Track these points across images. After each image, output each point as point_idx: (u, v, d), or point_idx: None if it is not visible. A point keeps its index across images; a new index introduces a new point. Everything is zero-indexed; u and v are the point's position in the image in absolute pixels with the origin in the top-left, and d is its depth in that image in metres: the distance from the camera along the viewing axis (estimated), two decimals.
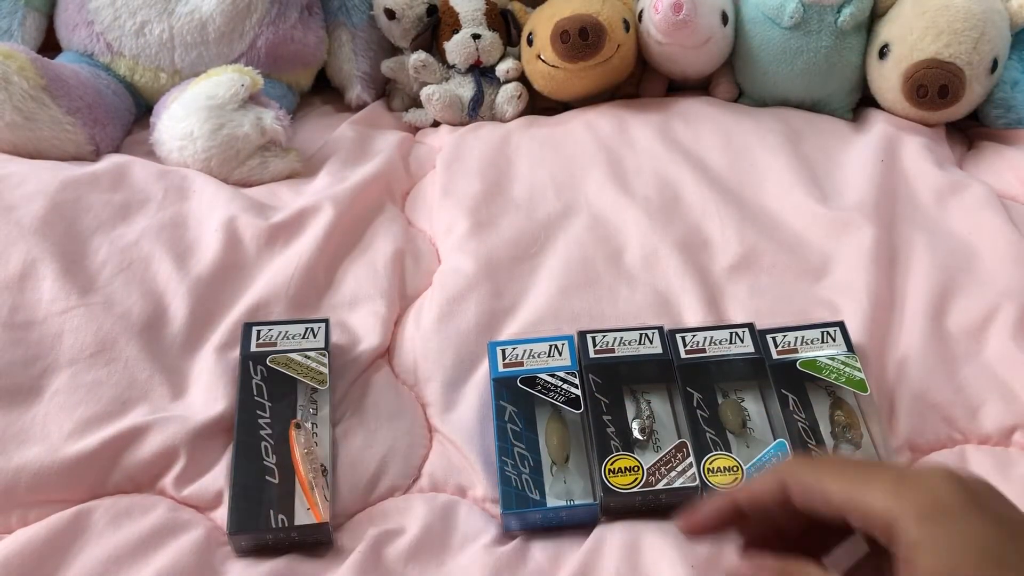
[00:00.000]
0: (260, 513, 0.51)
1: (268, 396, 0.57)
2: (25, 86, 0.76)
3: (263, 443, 0.54)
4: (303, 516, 0.51)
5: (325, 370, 0.59)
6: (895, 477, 0.31)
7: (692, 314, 0.66)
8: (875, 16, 0.92)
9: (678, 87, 1.00)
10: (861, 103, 0.96)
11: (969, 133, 0.95)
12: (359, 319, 0.66)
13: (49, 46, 0.94)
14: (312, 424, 0.56)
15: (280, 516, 0.51)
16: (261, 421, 0.55)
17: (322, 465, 0.54)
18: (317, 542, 0.51)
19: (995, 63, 0.88)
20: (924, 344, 0.63)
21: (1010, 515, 0.31)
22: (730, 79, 0.97)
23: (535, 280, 0.70)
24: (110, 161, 0.79)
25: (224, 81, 0.79)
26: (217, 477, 0.54)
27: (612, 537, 0.51)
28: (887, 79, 0.90)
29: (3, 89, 0.75)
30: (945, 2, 0.86)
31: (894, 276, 0.70)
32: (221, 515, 0.53)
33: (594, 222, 0.76)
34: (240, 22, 0.90)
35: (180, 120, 0.79)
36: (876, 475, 0.32)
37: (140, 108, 0.92)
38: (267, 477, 0.52)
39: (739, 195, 0.79)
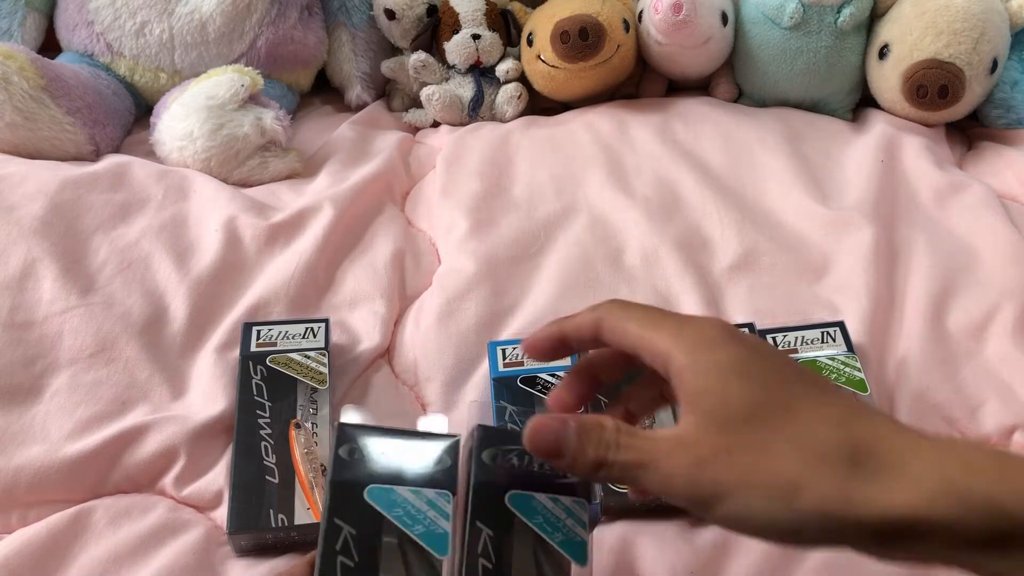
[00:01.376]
0: (260, 512, 0.51)
1: (268, 396, 0.57)
2: (25, 86, 0.76)
3: (263, 443, 0.54)
4: (303, 515, 0.51)
5: (325, 370, 0.59)
6: (678, 322, 0.37)
7: (692, 314, 0.66)
8: (875, 16, 0.92)
9: (678, 87, 1.01)
10: (861, 103, 0.96)
11: (969, 133, 0.95)
12: (359, 319, 0.66)
13: (49, 46, 0.94)
14: (312, 424, 0.56)
15: (280, 516, 0.51)
16: (261, 421, 0.55)
17: (322, 465, 0.54)
18: (316, 542, 0.51)
19: (995, 63, 0.88)
20: (924, 344, 0.63)
21: (762, 344, 0.36)
22: (730, 79, 0.97)
23: (535, 280, 0.70)
24: (110, 161, 0.79)
25: (224, 81, 0.80)
26: (217, 477, 0.54)
27: (611, 538, 0.51)
28: (887, 79, 0.90)
29: (3, 89, 0.75)
30: (945, 2, 0.86)
31: (894, 276, 0.70)
32: (221, 515, 0.53)
33: (594, 222, 0.76)
34: (240, 22, 0.90)
35: (180, 120, 0.79)
36: (665, 320, 0.37)
37: (140, 108, 0.92)
38: (267, 477, 0.53)
39: (739, 195, 0.79)
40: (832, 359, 0.59)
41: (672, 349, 0.35)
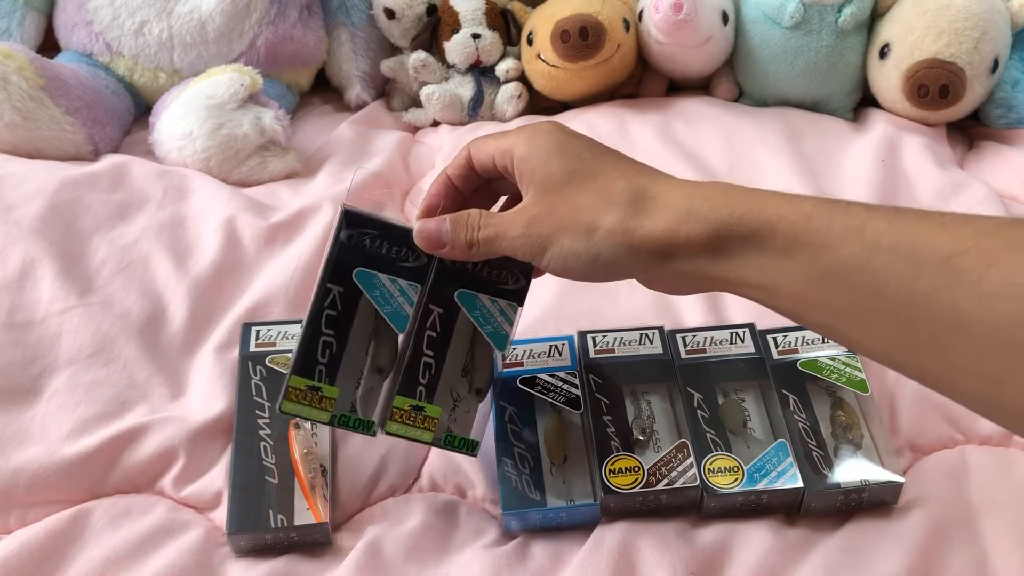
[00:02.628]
0: (259, 513, 0.51)
1: (267, 396, 0.57)
2: (24, 86, 0.76)
3: (262, 443, 0.54)
4: (302, 516, 0.51)
5: None
6: (521, 128, 0.48)
7: (692, 314, 0.66)
8: (875, 16, 0.92)
9: (678, 87, 1.00)
10: (861, 103, 0.96)
11: (970, 133, 0.95)
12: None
13: (49, 46, 0.94)
14: (312, 424, 0.56)
15: (279, 516, 0.51)
16: (260, 421, 0.55)
17: (321, 465, 0.54)
18: (316, 542, 0.51)
19: (996, 63, 0.88)
20: None
21: (582, 135, 0.48)
22: (730, 79, 0.97)
23: (535, 281, 0.70)
24: (109, 161, 0.79)
25: (223, 81, 0.79)
26: (216, 477, 0.54)
27: (612, 538, 0.50)
28: (888, 79, 0.90)
29: (2, 89, 0.75)
30: (946, 2, 0.86)
31: None
32: (220, 515, 0.53)
33: None
34: (239, 22, 0.90)
35: (179, 120, 0.79)
36: (514, 132, 0.48)
37: (139, 108, 0.92)
38: (266, 477, 0.52)
39: None
40: (833, 359, 0.59)
41: (515, 144, 0.46)
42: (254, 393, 0.57)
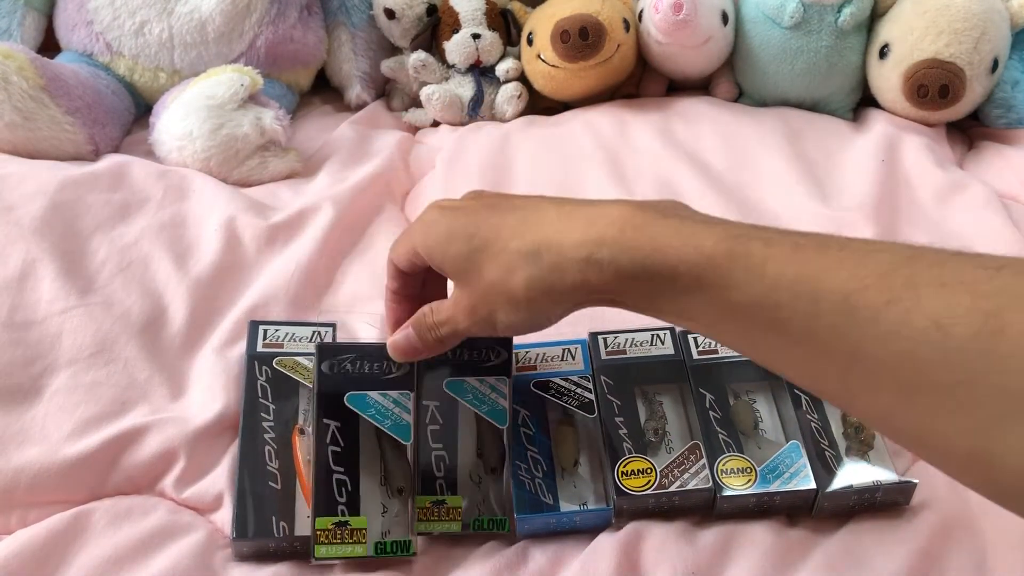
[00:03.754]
0: (263, 519, 0.50)
1: (272, 398, 0.57)
2: (24, 86, 0.76)
3: (266, 447, 0.54)
4: (304, 524, 0.51)
5: None
6: (414, 225, 0.48)
7: None
8: (875, 16, 0.92)
9: (678, 87, 1.00)
10: (861, 103, 0.96)
11: (969, 133, 0.95)
12: (359, 319, 0.66)
13: (49, 46, 0.94)
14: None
15: (282, 523, 0.50)
16: (265, 424, 0.55)
17: None
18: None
19: (995, 63, 0.88)
20: None
21: (461, 205, 0.47)
22: (730, 79, 0.97)
23: None
24: (109, 161, 0.79)
25: (224, 81, 0.79)
26: (217, 479, 0.54)
27: (612, 539, 0.50)
28: (887, 79, 0.90)
29: (2, 89, 0.75)
30: (946, 2, 0.86)
31: None
32: (221, 518, 0.53)
33: None
34: (240, 22, 0.90)
35: (180, 120, 0.79)
36: (409, 230, 0.49)
37: (139, 108, 0.92)
38: (270, 483, 0.52)
39: (739, 195, 0.79)
40: None
41: (415, 243, 0.47)
42: (259, 395, 0.57)
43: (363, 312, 0.66)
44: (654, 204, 0.42)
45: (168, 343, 0.62)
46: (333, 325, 0.62)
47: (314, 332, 0.61)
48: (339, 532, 0.49)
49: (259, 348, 0.59)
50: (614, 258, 0.40)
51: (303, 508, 0.51)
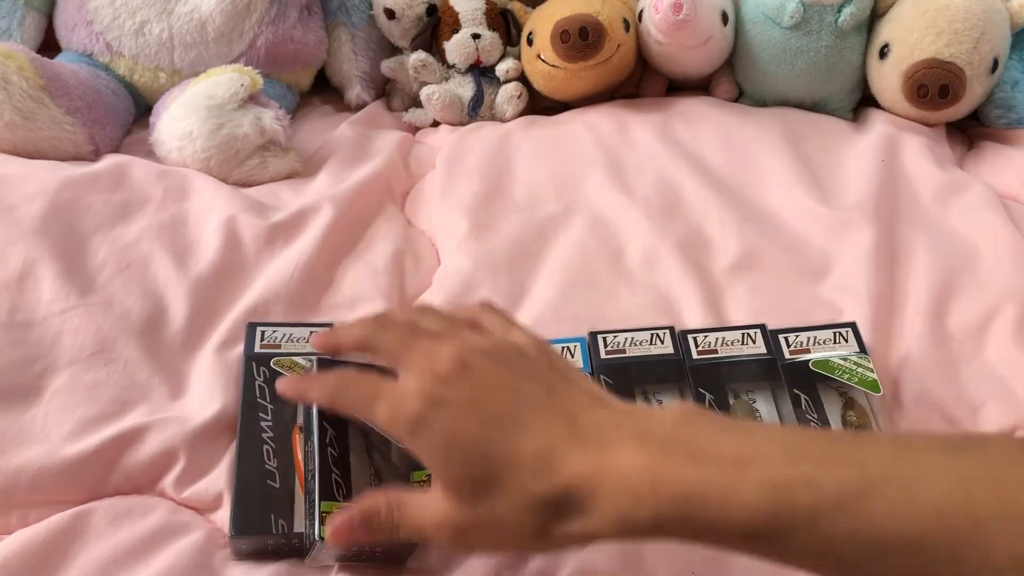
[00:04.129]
0: (262, 517, 0.50)
1: (270, 398, 0.57)
2: (24, 86, 0.76)
3: (265, 446, 0.54)
4: (302, 522, 0.51)
5: None
6: (413, 424, 0.40)
7: (692, 314, 0.66)
8: (875, 16, 0.92)
9: (678, 87, 1.00)
10: (861, 103, 0.96)
11: (969, 133, 0.95)
12: None
13: (49, 46, 0.94)
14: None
15: (280, 521, 0.50)
16: (263, 424, 0.55)
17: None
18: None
19: (995, 63, 0.88)
20: (925, 344, 0.63)
21: (468, 416, 0.40)
22: (730, 79, 0.97)
23: (535, 281, 0.70)
24: (110, 161, 0.79)
25: (224, 81, 0.79)
26: (217, 479, 0.54)
27: None
28: (887, 79, 0.90)
29: (2, 89, 0.75)
30: (945, 2, 0.86)
31: (894, 276, 0.70)
32: (221, 517, 0.53)
33: (594, 222, 0.75)
34: (240, 22, 0.90)
35: (180, 120, 0.79)
36: (406, 429, 0.41)
37: (140, 108, 0.92)
38: (268, 481, 0.52)
39: (739, 195, 0.79)
40: (845, 359, 0.59)
41: (398, 430, 0.40)
42: (258, 394, 0.57)
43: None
44: (678, 439, 0.38)
45: (168, 343, 0.62)
46: (331, 326, 0.62)
47: (311, 332, 0.61)
48: None
49: (257, 349, 0.59)
50: (654, 518, 0.36)
51: (302, 506, 0.51)
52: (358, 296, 0.68)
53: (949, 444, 0.36)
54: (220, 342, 0.62)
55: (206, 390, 0.59)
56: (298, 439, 0.55)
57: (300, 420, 0.56)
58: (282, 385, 0.47)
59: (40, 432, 0.55)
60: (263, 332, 0.61)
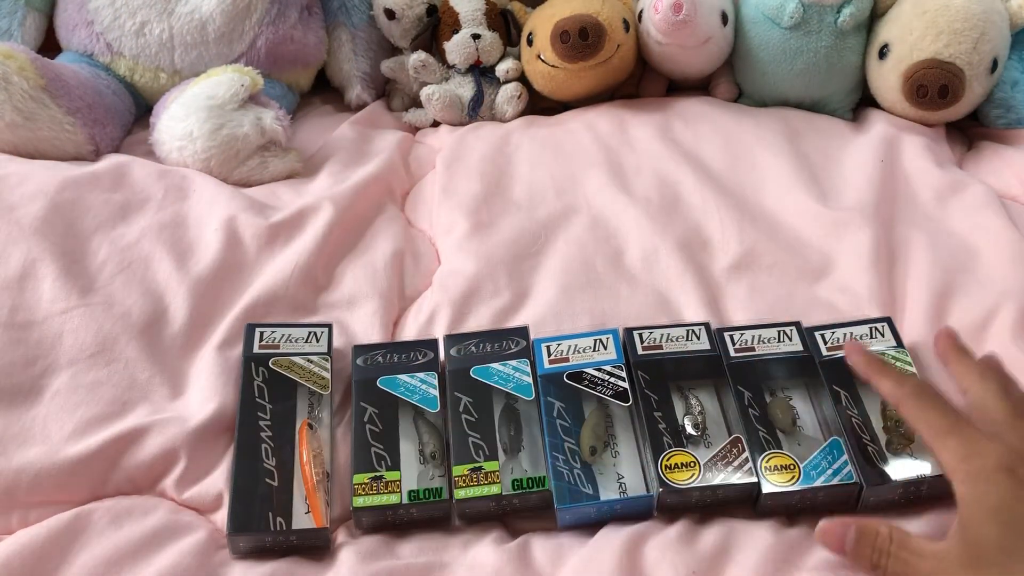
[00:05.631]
0: (260, 515, 0.51)
1: (269, 398, 0.57)
2: (25, 86, 0.76)
3: (263, 445, 0.54)
4: (301, 520, 0.51)
5: (327, 375, 0.59)
6: (965, 444, 0.44)
7: (692, 314, 0.66)
8: (875, 16, 0.92)
9: (678, 87, 1.00)
10: (861, 103, 0.96)
11: (969, 133, 0.95)
12: (358, 319, 0.66)
13: (49, 46, 0.94)
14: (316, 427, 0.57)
15: (278, 519, 0.51)
16: (262, 423, 0.55)
17: (325, 471, 0.54)
18: (315, 546, 0.51)
19: (995, 63, 0.88)
20: (924, 344, 0.63)
21: None
22: (730, 79, 0.97)
23: (535, 280, 0.70)
24: (110, 161, 0.79)
25: (224, 81, 0.79)
26: (217, 479, 0.54)
27: (613, 538, 0.51)
28: (887, 79, 0.90)
29: (3, 89, 0.75)
30: (945, 2, 0.86)
31: (894, 276, 0.70)
32: (221, 517, 0.53)
33: (594, 222, 0.76)
34: (240, 22, 0.90)
35: (180, 120, 0.79)
36: (951, 436, 0.45)
37: (140, 108, 0.92)
38: (266, 479, 0.52)
39: (739, 195, 0.79)
40: (882, 354, 0.59)
41: (954, 473, 0.43)
42: (256, 395, 0.57)
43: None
44: None
45: (169, 343, 0.62)
46: (329, 326, 0.62)
47: (310, 333, 0.61)
48: (375, 484, 0.52)
49: (255, 349, 0.60)
50: None
51: (301, 504, 0.52)
52: (357, 296, 0.68)
53: None
54: (220, 342, 0.62)
55: (207, 390, 0.59)
56: (307, 434, 0.55)
57: (306, 415, 0.56)
58: (855, 359, 0.52)
59: (41, 432, 0.55)
60: (262, 333, 0.61)
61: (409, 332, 0.66)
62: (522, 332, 0.62)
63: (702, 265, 0.71)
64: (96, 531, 0.51)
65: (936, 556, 0.42)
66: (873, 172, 0.80)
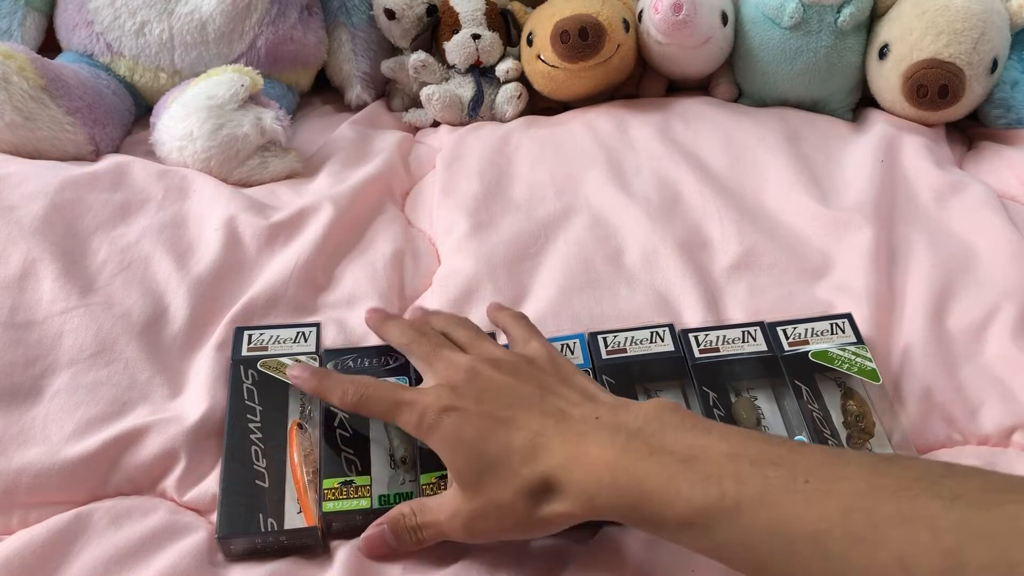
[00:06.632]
0: (250, 517, 0.50)
1: (259, 400, 0.57)
2: (25, 86, 0.76)
3: (253, 447, 0.54)
4: (293, 520, 0.51)
5: None
6: (414, 400, 0.49)
7: (692, 314, 0.66)
8: (875, 16, 0.92)
9: (678, 87, 1.01)
10: (861, 103, 0.96)
11: (969, 133, 0.95)
12: (358, 319, 0.66)
13: (49, 46, 0.94)
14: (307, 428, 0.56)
15: (270, 520, 0.50)
16: (252, 426, 0.55)
17: (315, 470, 0.54)
18: (307, 546, 0.51)
19: (995, 63, 0.88)
20: (924, 344, 0.63)
21: (473, 412, 0.47)
22: (730, 79, 0.97)
23: (535, 280, 0.70)
24: (110, 161, 0.79)
25: (224, 81, 0.79)
26: (217, 480, 0.54)
27: (612, 538, 0.51)
28: (887, 79, 0.90)
29: (3, 89, 0.75)
30: (945, 2, 0.86)
31: (894, 276, 0.70)
32: None
33: (594, 222, 0.76)
34: (240, 22, 0.90)
35: (180, 120, 0.79)
36: (423, 423, 0.48)
37: (140, 108, 0.92)
38: (257, 481, 0.52)
39: (739, 195, 0.79)
40: (843, 349, 0.59)
41: (420, 432, 0.47)
42: (245, 397, 0.57)
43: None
44: (645, 432, 0.43)
45: (169, 343, 0.62)
46: (317, 325, 0.62)
47: (298, 333, 0.61)
48: (344, 489, 0.51)
49: (244, 352, 0.60)
50: (611, 503, 0.42)
51: (293, 505, 0.51)
52: (356, 296, 0.68)
53: (875, 458, 0.40)
54: (220, 342, 0.62)
55: (207, 391, 0.59)
56: (296, 434, 0.55)
57: (298, 416, 0.56)
58: (298, 378, 0.54)
59: (41, 433, 0.55)
60: (250, 336, 0.61)
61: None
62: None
63: (702, 265, 0.71)
64: (96, 531, 0.50)
65: (443, 506, 0.47)
66: (873, 172, 0.80)
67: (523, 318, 0.59)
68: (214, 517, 0.53)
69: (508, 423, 0.46)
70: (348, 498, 0.51)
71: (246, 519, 0.50)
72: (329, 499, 0.51)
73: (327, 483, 0.52)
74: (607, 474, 0.42)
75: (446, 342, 0.54)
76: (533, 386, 0.48)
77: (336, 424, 0.55)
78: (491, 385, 0.48)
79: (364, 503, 0.51)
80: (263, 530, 0.50)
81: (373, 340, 0.62)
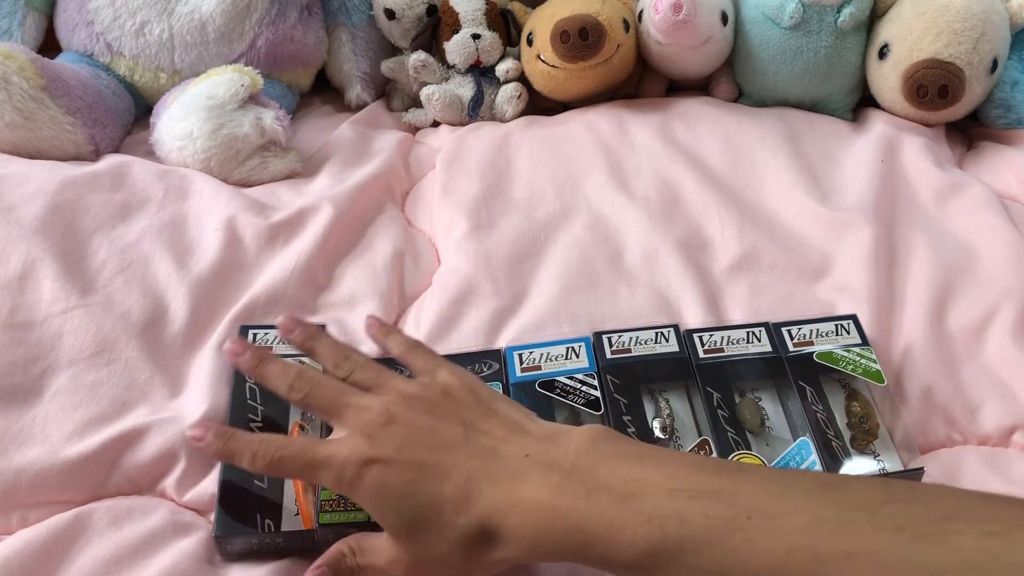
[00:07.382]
0: (246, 517, 0.50)
1: (260, 400, 0.57)
2: (25, 86, 0.76)
3: None
4: (289, 522, 0.51)
5: None
6: (333, 461, 0.45)
7: (692, 314, 0.66)
8: (875, 16, 0.92)
9: (678, 87, 1.01)
10: (861, 103, 0.96)
11: (969, 133, 0.95)
12: (358, 319, 0.66)
13: (49, 46, 0.94)
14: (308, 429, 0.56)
15: (267, 521, 0.50)
16: (252, 425, 0.55)
17: None
18: (304, 548, 0.51)
19: (995, 63, 0.88)
20: (924, 344, 0.63)
21: (391, 464, 0.44)
22: (730, 79, 0.97)
23: (535, 281, 0.70)
24: (110, 161, 0.79)
25: (224, 81, 0.79)
26: (216, 480, 0.54)
27: None
28: (887, 79, 0.90)
29: (3, 89, 0.75)
30: (945, 2, 0.86)
31: (894, 276, 0.70)
32: None
33: (594, 222, 0.76)
34: (240, 22, 0.90)
35: (180, 120, 0.79)
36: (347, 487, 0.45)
37: (140, 108, 0.92)
38: (256, 481, 0.52)
39: (739, 195, 0.79)
40: (848, 350, 0.59)
41: (341, 490, 0.45)
42: (248, 396, 0.57)
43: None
44: (579, 468, 0.42)
45: (169, 343, 0.62)
46: (323, 327, 0.62)
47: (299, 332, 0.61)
48: (342, 501, 0.50)
49: None
50: (554, 547, 0.41)
51: (291, 506, 0.51)
52: (356, 296, 0.68)
53: (817, 482, 0.39)
54: (220, 342, 0.62)
55: (207, 391, 0.59)
56: (298, 435, 0.55)
57: (299, 418, 0.56)
58: (200, 440, 0.48)
59: (41, 433, 0.55)
60: (255, 335, 0.61)
61: (408, 332, 0.66)
62: (495, 355, 0.60)
63: (702, 265, 0.71)
64: (96, 531, 0.50)
65: (382, 550, 0.45)
66: (873, 172, 0.80)
67: (419, 344, 0.54)
68: (214, 517, 0.53)
69: (434, 471, 0.43)
70: (345, 510, 0.50)
71: (244, 520, 0.50)
72: (326, 510, 0.50)
73: (324, 494, 0.51)
74: (545, 518, 0.41)
75: (347, 387, 0.49)
76: (455, 424, 0.45)
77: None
78: (410, 428, 0.45)
79: (361, 516, 0.50)
80: (260, 531, 0.50)
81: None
